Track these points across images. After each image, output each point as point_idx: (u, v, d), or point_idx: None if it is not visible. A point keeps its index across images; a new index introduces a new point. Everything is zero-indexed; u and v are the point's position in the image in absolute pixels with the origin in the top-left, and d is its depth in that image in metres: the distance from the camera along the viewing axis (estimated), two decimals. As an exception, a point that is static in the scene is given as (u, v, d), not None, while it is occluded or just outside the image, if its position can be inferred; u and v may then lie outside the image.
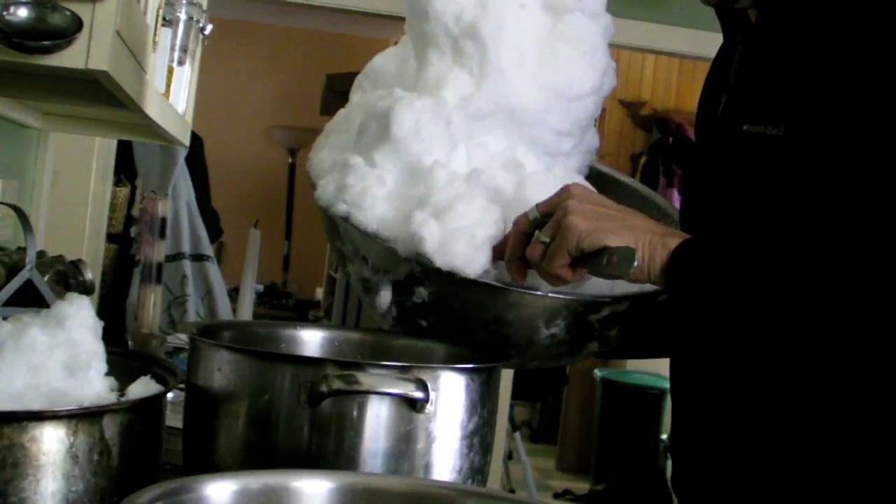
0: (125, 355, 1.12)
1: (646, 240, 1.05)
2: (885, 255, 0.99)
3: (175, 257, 3.67)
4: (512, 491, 4.49)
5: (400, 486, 0.88)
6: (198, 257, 3.77)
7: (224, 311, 3.75)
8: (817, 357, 1.06)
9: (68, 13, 0.93)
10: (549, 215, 1.08)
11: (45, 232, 2.44)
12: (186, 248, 3.73)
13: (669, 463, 4.63)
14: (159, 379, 1.03)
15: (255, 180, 6.99)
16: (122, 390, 1.00)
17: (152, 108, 1.35)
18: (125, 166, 3.58)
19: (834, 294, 0.98)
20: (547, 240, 1.06)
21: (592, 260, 1.05)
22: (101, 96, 1.22)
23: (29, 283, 1.42)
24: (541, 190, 1.12)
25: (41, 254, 1.64)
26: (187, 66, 1.68)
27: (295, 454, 0.96)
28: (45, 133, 2.33)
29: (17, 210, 1.49)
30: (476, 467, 1.03)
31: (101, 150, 3.00)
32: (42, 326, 0.96)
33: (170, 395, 1.05)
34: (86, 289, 1.65)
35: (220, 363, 1.01)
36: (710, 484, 1.19)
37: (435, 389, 0.97)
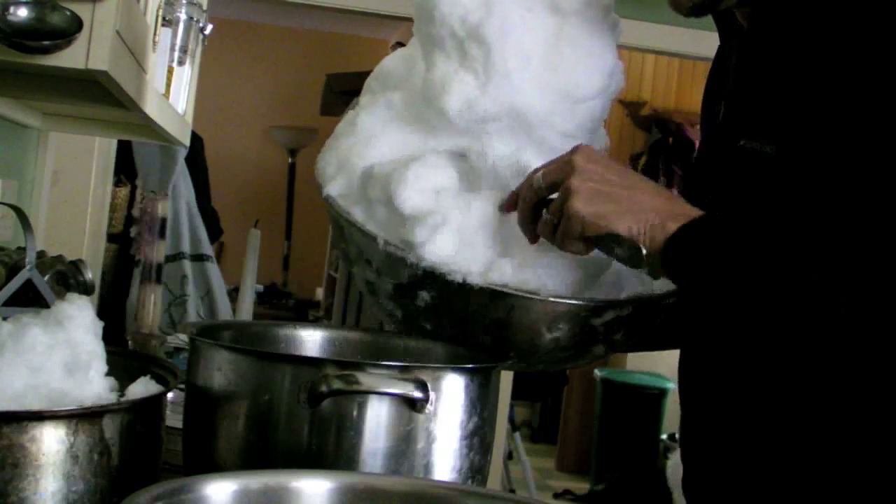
0: (125, 355, 1.12)
1: (647, 222, 1.03)
2: (880, 270, 0.97)
3: (175, 257, 3.67)
4: (512, 491, 4.49)
5: (400, 486, 0.88)
6: (198, 257, 3.76)
7: (224, 311, 3.74)
8: (817, 353, 1.05)
9: (68, 13, 0.93)
10: (554, 186, 1.07)
11: (45, 232, 2.43)
12: (186, 248, 3.72)
13: (669, 462, 4.64)
14: (159, 379, 1.03)
15: (255, 180, 6.99)
16: (122, 390, 1.00)
17: (152, 108, 1.35)
18: (125, 166, 3.58)
19: (833, 295, 0.98)
20: (555, 220, 1.06)
21: (599, 243, 1.05)
22: (101, 96, 1.22)
23: (29, 283, 1.42)
24: None
25: (41, 254, 1.64)
26: (187, 66, 1.68)
27: (295, 454, 0.96)
28: (45, 133, 2.33)
29: (17, 210, 1.49)
30: (476, 467, 1.03)
31: (101, 150, 3.00)
32: (42, 326, 0.96)
33: (170, 395, 1.05)
34: (86, 289, 1.65)
35: (220, 363, 1.01)
36: (720, 484, 1.18)
37: (435, 389, 0.97)
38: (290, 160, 6.89)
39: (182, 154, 3.61)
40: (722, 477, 1.17)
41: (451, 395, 1.00)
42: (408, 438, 0.97)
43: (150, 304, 2.26)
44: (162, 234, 3.13)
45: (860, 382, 1.04)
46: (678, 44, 3.70)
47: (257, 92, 7.01)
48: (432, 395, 0.97)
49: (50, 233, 2.52)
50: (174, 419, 1.10)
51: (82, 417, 0.88)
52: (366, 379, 0.95)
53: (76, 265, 1.69)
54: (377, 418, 0.96)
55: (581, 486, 5.48)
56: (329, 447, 0.96)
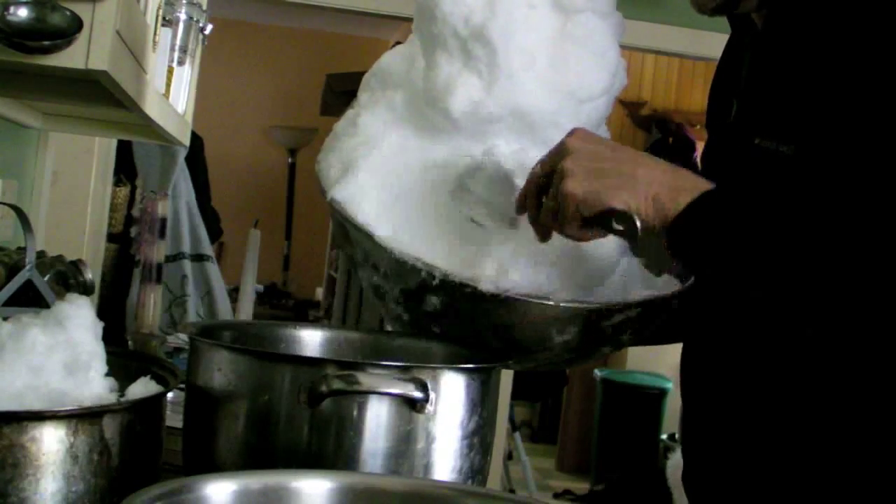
0: (125, 355, 1.12)
1: (649, 194, 1.01)
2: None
3: (175, 257, 3.67)
4: (512, 491, 4.49)
5: (400, 486, 0.88)
6: (198, 257, 3.76)
7: (224, 311, 3.74)
8: (824, 340, 1.04)
9: (68, 13, 0.93)
10: (551, 172, 1.06)
11: (45, 232, 2.43)
12: (186, 248, 3.72)
13: (669, 462, 4.64)
14: (159, 379, 1.04)
15: (255, 180, 6.99)
16: (122, 390, 1.00)
17: (152, 108, 1.35)
18: (125, 166, 3.58)
19: (838, 289, 0.97)
20: (554, 205, 1.05)
21: (600, 222, 1.03)
22: (101, 96, 1.22)
23: (29, 283, 1.42)
24: None
25: (41, 254, 1.64)
26: (187, 66, 1.68)
27: (295, 454, 0.96)
28: (45, 133, 2.33)
29: (17, 210, 1.49)
30: (476, 467, 1.03)
31: (101, 150, 2.99)
32: (42, 326, 0.96)
33: (170, 395, 1.05)
34: (86, 289, 1.65)
35: (219, 363, 1.01)
36: (721, 478, 1.17)
37: (435, 389, 0.97)
38: (290, 160, 6.89)
39: (182, 154, 3.61)
40: (722, 471, 1.17)
41: (451, 395, 1.00)
42: (408, 438, 0.97)
43: (150, 304, 2.26)
44: (162, 234, 3.12)
45: (863, 378, 1.04)
46: (678, 44, 3.70)
47: (257, 92, 7.01)
48: (432, 395, 0.97)
49: (50, 233, 2.52)
50: (174, 419, 1.10)
51: (82, 417, 0.88)
52: (366, 379, 0.95)
53: (76, 265, 1.69)
54: (377, 418, 0.96)
55: (581, 486, 5.48)
56: (329, 447, 0.96)
